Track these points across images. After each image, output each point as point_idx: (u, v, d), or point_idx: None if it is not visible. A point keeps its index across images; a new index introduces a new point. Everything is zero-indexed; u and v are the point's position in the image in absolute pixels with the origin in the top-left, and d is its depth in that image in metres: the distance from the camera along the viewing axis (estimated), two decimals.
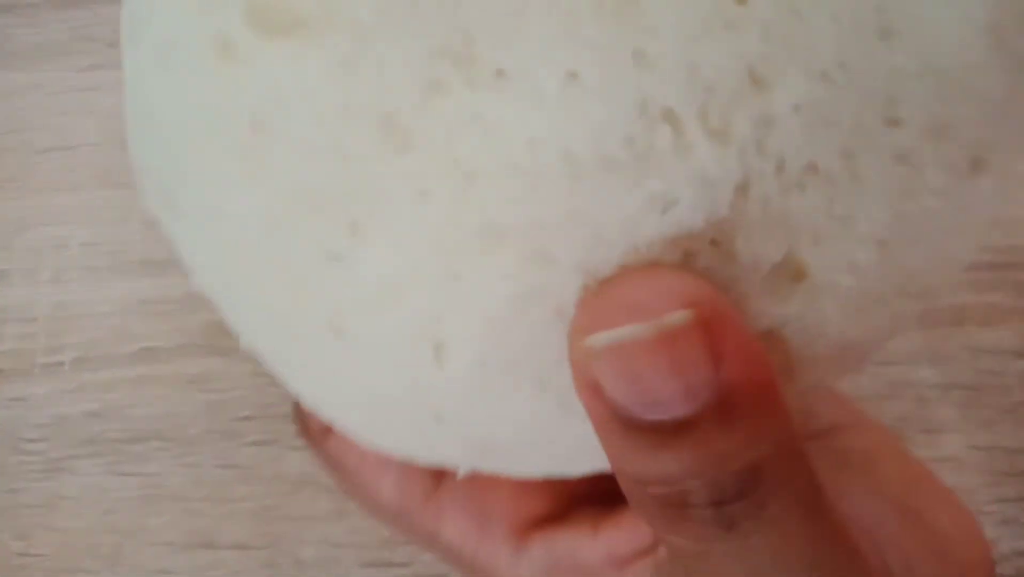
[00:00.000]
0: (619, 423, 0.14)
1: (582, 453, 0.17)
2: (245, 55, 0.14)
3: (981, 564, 0.20)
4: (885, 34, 0.13)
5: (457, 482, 0.22)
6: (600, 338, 0.13)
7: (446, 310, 0.15)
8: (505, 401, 0.16)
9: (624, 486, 0.15)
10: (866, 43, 0.13)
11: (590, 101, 0.13)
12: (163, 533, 0.37)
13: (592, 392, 0.14)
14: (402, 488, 0.22)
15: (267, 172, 0.15)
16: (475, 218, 0.14)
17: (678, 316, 0.13)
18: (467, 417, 0.16)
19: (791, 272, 0.15)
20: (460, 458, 0.18)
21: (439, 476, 0.22)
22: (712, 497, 0.14)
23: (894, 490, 0.20)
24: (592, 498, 0.21)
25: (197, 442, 0.38)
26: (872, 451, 0.21)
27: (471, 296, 0.14)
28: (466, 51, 0.13)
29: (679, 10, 0.13)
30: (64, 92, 0.43)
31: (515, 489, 0.21)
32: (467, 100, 0.13)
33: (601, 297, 0.14)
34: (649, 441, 0.14)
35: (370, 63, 0.13)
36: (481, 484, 0.21)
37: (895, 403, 0.43)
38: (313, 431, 0.23)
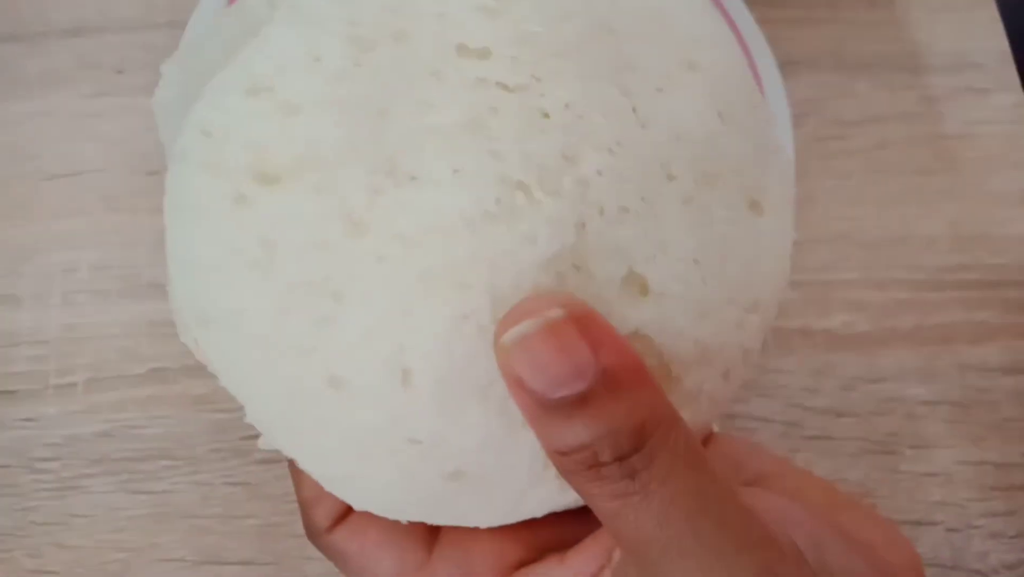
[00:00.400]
0: (540, 407, 0.19)
1: (533, 480, 0.22)
2: (252, 200, 0.21)
3: (911, 568, 0.23)
4: (644, 123, 0.22)
5: (445, 547, 0.24)
6: (507, 336, 0.19)
7: (407, 341, 0.20)
8: (461, 415, 0.21)
9: (557, 464, 0.20)
10: (632, 129, 0.21)
11: (469, 182, 0.20)
12: (172, 550, 0.38)
13: (518, 386, 0.19)
14: (399, 561, 0.24)
15: (273, 272, 0.21)
16: (415, 268, 0.20)
17: (555, 312, 0.19)
18: (436, 437, 0.21)
19: (638, 285, 0.21)
20: (440, 496, 0.22)
21: (430, 547, 0.25)
22: (614, 453, 0.19)
23: (821, 511, 0.23)
24: (560, 546, 0.24)
25: (205, 461, 0.39)
26: (800, 487, 0.24)
27: (422, 326, 0.20)
28: (391, 167, 0.20)
29: (509, 125, 0.21)
30: (71, 119, 0.44)
31: (494, 542, 0.24)
32: (397, 195, 0.20)
33: (506, 315, 0.20)
34: (562, 415, 0.19)
35: (332, 186, 0.20)
36: (465, 543, 0.24)
37: (886, 419, 0.44)
38: (318, 527, 0.25)
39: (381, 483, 0.22)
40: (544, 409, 0.19)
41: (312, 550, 0.37)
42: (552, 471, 0.22)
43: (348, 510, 0.25)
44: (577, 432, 0.19)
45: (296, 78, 0.21)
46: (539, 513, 0.23)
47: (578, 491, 0.20)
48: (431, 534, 0.25)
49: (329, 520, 0.25)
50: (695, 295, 0.22)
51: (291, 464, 0.26)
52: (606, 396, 0.19)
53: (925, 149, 0.50)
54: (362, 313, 0.20)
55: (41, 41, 0.45)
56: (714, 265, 0.22)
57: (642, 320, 0.21)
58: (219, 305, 0.21)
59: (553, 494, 0.22)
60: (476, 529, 0.23)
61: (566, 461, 0.20)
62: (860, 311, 0.46)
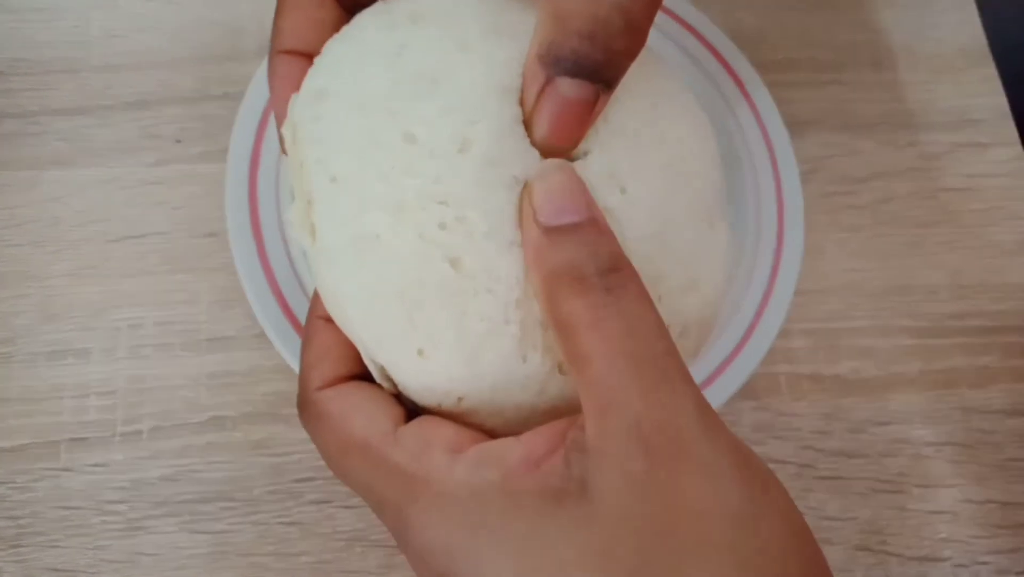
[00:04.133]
0: (543, 233, 0.25)
1: (502, 318, 0.26)
2: (401, 27, 0.28)
3: None
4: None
5: (412, 425, 0.26)
6: (538, 168, 0.26)
7: (477, 118, 0.26)
8: (487, 193, 0.26)
9: (547, 287, 0.25)
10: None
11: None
12: None
13: (529, 219, 0.25)
14: (369, 424, 0.26)
15: (399, 63, 0.27)
16: (495, 80, 0.27)
17: (569, 167, 0.26)
18: (460, 207, 0.26)
19: (619, 184, 0.27)
20: (433, 288, 0.26)
21: (398, 423, 0.26)
22: (596, 267, 0.24)
23: None
24: None
25: (261, 502, 0.42)
26: None
27: (490, 114, 0.26)
28: (496, 28, 0.28)
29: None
30: (134, 186, 0.47)
31: (456, 427, 0.26)
32: (494, 41, 0.28)
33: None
34: (558, 238, 0.25)
35: (455, 25, 0.28)
36: (430, 424, 0.26)
37: (894, 460, 0.46)
38: (311, 386, 0.28)
39: (394, 254, 0.26)
40: (545, 235, 0.25)
41: None
42: (513, 327, 0.26)
43: (338, 380, 0.28)
44: (568, 250, 0.24)
45: None
46: (490, 372, 0.26)
47: (562, 310, 0.24)
48: (404, 419, 0.27)
49: (322, 381, 0.28)
50: (653, 207, 0.28)
51: (307, 326, 0.29)
52: (592, 230, 0.25)
53: (927, 203, 0.53)
54: (450, 93, 0.27)
55: (107, 114, 0.49)
56: (671, 201, 0.29)
57: (613, 205, 0.27)
58: (346, 79, 0.28)
59: (509, 350, 0.26)
60: (442, 419, 0.26)
61: (556, 279, 0.24)
62: (868, 357, 0.49)
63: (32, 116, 0.48)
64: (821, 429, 0.47)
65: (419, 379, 0.27)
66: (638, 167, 0.28)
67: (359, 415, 0.26)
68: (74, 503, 0.41)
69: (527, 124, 0.27)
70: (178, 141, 0.48)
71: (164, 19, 0.51)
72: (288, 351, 0.41)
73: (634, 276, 0.25)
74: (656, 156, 0.29)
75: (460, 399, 0.27)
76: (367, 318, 0.26)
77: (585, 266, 0.24)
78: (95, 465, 0.42)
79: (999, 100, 0.57)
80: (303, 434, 0.43)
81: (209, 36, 0.51)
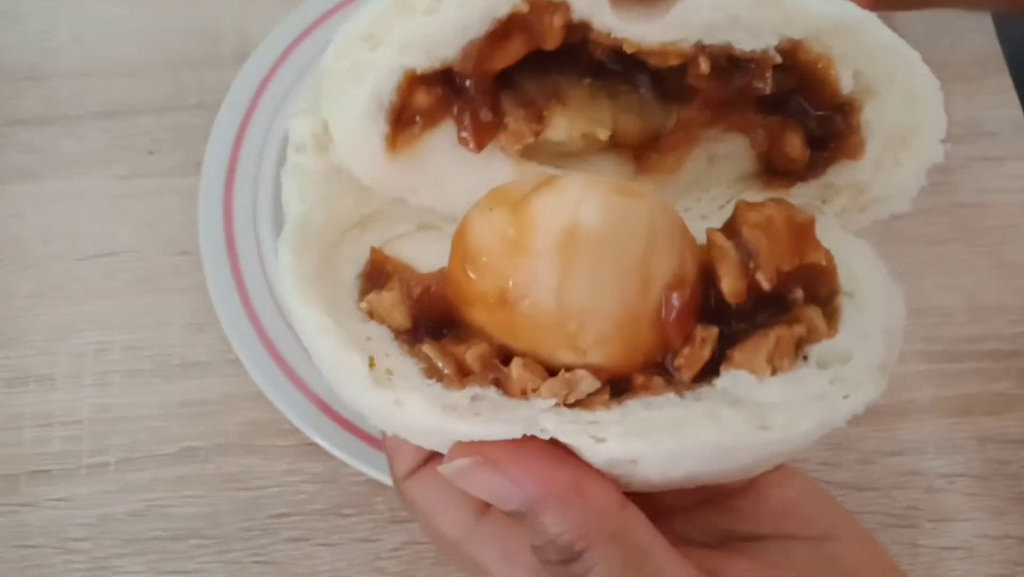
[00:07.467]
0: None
1: None
2: None
3: None
4: None
5: (492, 520, 0.27)
6: (442, 468, 0.23)
7: None
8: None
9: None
10: None
11: None
12: None
13: None
14: (454, 524, 0.27)
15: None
16: None
17: (461, 462, 0.23)
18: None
19: (631, 460, 0.23)
20: None
21: (480, 515, 0.27)
22: (558, 557, 0.22)
23: None
24: None
25: (235, 539, 0.39)
26: (859, 567, 0.26)
27: None
28: None
29: None
30: (104, 200, 0.45)
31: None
32: None
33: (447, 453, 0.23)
34: (513, 520, 0.23)
35: None
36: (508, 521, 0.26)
37: (904, 493, 0.44)
38: (397, 476, 0.28)
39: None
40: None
41: None
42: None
43: (418, 466, 0.28)
44: (525, 534, 0.23)
45: None
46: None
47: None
48: (483, 504, 0.27)
49: (404, 471, 0.28)
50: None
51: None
52: (537, 515, 0.22)
53: (941, 219, 0.51)
54: None
55: (76, 123, 0.46)
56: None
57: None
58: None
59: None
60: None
61: (536, 551, 0.23)
62: None
63: None
64: (829, 461, 0.44)
65: None
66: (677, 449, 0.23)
67: (443, 514, 0.27)
68: (34, 541, 0.39)
69: None
70: (150, 153, 0.46)
71: (137, 23, 0.49)
72: (264, 378, 0.39)
73: (605, 556, 0.22)
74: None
75: None
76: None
77: (546, 553, 0.23)
78: (58, 500, 0.40)
79: (1014, 111, 0.54)
80: (279, 466, 0.41)
81: (184, 41, 0.48)
